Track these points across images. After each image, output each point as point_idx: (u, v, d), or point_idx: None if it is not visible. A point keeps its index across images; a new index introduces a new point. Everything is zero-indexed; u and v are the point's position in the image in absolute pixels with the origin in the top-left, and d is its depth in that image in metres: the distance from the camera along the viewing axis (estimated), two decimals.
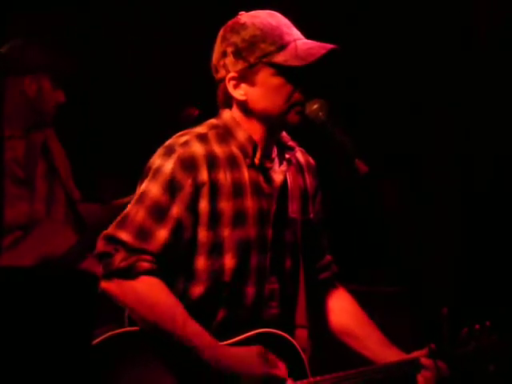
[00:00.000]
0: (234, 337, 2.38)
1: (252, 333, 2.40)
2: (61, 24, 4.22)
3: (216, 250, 2.38)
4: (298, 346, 2.45)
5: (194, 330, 2.31)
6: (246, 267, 2.41)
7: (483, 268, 4.23)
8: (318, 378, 2.41)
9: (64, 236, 3.43)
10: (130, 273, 2.30)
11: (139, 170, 2.44)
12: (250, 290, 2.42)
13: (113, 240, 2.33)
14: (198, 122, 2.53)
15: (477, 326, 2.49)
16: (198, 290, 2.39)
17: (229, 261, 2.39)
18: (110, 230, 2.35)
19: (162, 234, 2.33)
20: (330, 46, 2.37)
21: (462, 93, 4.36)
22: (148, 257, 2.32)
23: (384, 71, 4.43)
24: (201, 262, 2.38)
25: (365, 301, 2.69)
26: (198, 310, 2.35)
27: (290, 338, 2.45)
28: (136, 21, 4.42)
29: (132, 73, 4.45)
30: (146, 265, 2.31)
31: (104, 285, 2.32)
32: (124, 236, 2.32)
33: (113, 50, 4.39)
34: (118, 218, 2.36)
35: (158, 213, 2.33)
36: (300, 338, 2.48)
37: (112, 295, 2.34)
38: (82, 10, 4.32)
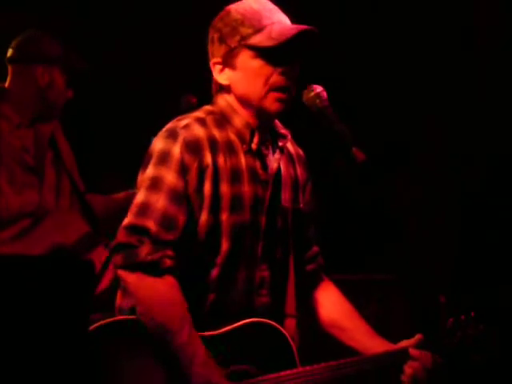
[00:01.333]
0: (225, 325, 2.37)
1: (242, 322, 2.39)
2: (61, 21, 4.23)
3: (213, 232, 2.37)
4: (288, 336, 2.44)
5: (196, 342, 2.29)
6: (239, 252, 2.40)
7: (480, 256, 4.22)
8: (308, 368, 2.39)
9: (75, 226, 3.43)
10: (154, 269, 2.29)
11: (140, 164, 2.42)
12: (241, 276, 2.41)
13: (136, 230, 2.30)
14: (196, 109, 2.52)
15: (462, 317, 2.49)
16: (192, 271, 2.38)
17: (224, 244, 2.37)
18: (132, 219, 2.32)
19: (182, 219, 2.33)
20: (302, 27, 2.37)
21: (462, 92, 4.37)
22: (171, 252, 2.31)
23: (383, 71, 4.43)
24: (198, 244, 2.36)
25: (361, 289, 2.68)
26: (189, 292, 2.34)
27: (281, 328, 2.44)
28: (136, 20, 4.44)
29: (133, 70, 4.47)
30: (169, 262, 2.30)
31: (123, 274, 2.30)
32: (149, 224, 2.30)
33: (112, 50, 4.41)
34: (136, 208, 2.33)
35: (178, 198, 2.32)
36: (289, 328, 2.47)
37: (128, 285, 2.32)
38: (82, 9, 4.34)
